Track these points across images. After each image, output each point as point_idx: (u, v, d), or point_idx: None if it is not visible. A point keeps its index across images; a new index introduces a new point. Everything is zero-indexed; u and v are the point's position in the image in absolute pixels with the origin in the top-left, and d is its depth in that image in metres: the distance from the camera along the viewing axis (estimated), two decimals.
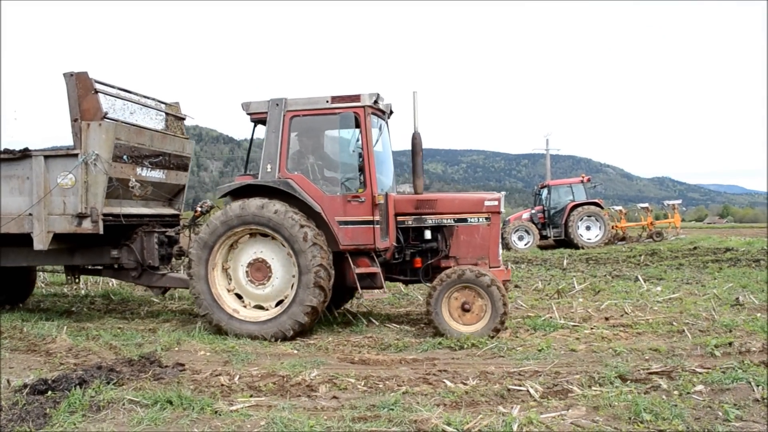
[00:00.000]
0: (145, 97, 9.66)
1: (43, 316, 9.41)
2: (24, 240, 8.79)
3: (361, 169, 7.84)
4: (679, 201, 29.89)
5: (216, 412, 4.87)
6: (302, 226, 7.56)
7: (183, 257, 9.96)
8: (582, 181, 25.48)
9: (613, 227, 25.22)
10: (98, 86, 8.50)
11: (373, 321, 8.85)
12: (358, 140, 7.95)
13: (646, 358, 6.32)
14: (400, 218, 8.26)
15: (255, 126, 8.54)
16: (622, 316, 8.84)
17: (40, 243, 8.48)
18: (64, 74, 8.41)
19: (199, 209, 9.36)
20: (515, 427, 4.34)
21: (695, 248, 20.19)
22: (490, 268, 8.00)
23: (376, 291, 8.12)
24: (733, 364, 5.80)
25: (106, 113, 8.51)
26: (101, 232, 8.42)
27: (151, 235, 9.21)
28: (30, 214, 8.52)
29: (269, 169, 7.95)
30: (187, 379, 5.84)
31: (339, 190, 8.03)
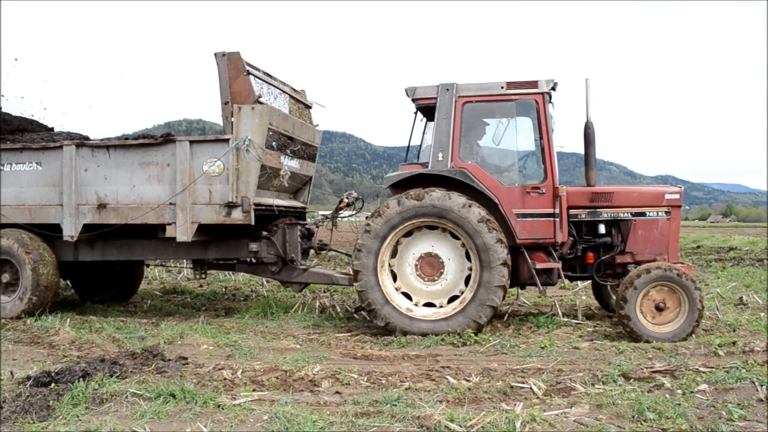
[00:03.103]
0: (282, 82, 9.19)
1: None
2: (150, 232, 8.49)
3: (540, 159, 7.64)
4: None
5: (219, 406, 4.87)
6: (487, 221, 7.26)
7: (323, 251, 9.68)
8: None
9: None
10: (249, 68, 8.03)
11: None
12: (535, 128, 7.71)
13: (650, 356, 6.30)
14: (572, 211, 7.87)
15: (416, 113, 8.26)
16: None
17: (184, 234, 8.01)
18: (216, 54, 7.95)
19: (345, 200, 8.93)
20: (518, 425, 4.33)
21: (698, 247, 20.17)
22: None
23: (559, 289, 7.87)
24: (736, 364, 5.78)
25: (259, 96, 8.02)
26: (253, 223, 7.96)
27: (294, 227, 8.69)
28: (171, 204, 8.05)
29: (440, 158, 7.62)
30: (190, 373, 5.84)
31: (516, 180, 7.77)
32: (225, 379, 5.67)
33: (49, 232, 8.75)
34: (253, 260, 8.96)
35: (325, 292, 11.04)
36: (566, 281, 7.87)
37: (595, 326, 7.94)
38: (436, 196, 7.38)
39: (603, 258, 7.96)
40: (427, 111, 8.14)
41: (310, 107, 10.10)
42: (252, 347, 7.00)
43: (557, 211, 7.52)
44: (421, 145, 8.45)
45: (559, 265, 7.65)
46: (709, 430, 4.28)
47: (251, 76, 7.99)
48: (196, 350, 6.92)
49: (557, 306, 9.03)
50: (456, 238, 7.56)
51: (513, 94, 7.66)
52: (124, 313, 9.51)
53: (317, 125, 10.11)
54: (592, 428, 4.36)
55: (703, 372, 5.61)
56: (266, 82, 8.53)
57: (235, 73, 7.88)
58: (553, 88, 7.74)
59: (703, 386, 5.18)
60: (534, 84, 7.62)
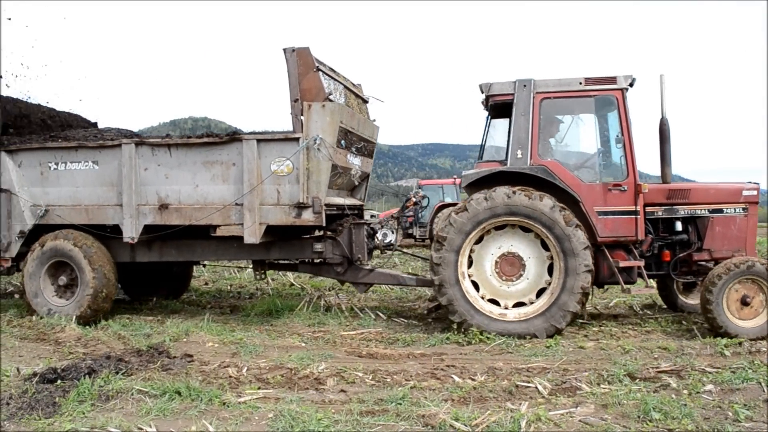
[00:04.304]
0: (344, 77, 8.84)
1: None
2: (202, 231, 8.24)
3: (621, 156, 7.59)
4: None
5: (224, 403, 4.88)
6: (577, 226, 7.14)
7: (389, 251, 9.52)
8: (455, 182, 24.37)
9: None
10: (318, 64, 7.74)
11: (381, 315, 8.85)
12: (614, 125, 7.65)
13: (655, 356, 6.29)
14: (648, 209, 7.74)
15: (489, 110, 8.14)
16: (631, 314, 8.79)
17: (252, 236, 7.66)
18: (285, 50, 7.60)
19: (413, 199, 8.81)
20: (523, 424, 4.33)
21: None
22: None
23: (644, 288, 7.73)
24: (743, 364, 5.76)
25: (330, 93, 7.71)
26: (324, 224, 7.71)
27: (360, 227, 8.40)
28: (238, 204, 7.73)
29: (519, 155, 7.51)
30: (195, 370, 5.86)
31: (597, 177, 7.70)
32: (230, 376, 5.68)
33: (106, 233, 8.46)
34: (317, 260, 8.75)
35: (330, 290, 11.06)
36: (648, 280, 7.69)
37: (600, 326, 7.92)
38: (523, 195, 7.23)
39: (680, 255, 7.87)
40: (495, 108, 8.02)
41: (367, 102, 9.88)
42: (257, 345, 7.01)
43: (638, 208, 7.46)
44: (485, 143, 8.27)
45: (641, 263, 7.56)
46: (715, 430, 4.27)
47: (320, 73, 7.70)
48: (202, 348, 6.94)
49: None
50: (537, 237, 7.44)
51: (592, 90, 7.60)
52: (129, 311, 9.52)
53: (374, 120, 9.87)
54: (597, 428, 4.35)
55: (709, 372, 5.60)
56: (333, 78, 8.28)
57: (304, 69, 7.56)
58: (631, 84, 7.67)
59: (709, 387, 5.17)
60: (613, 80, 7.56)
